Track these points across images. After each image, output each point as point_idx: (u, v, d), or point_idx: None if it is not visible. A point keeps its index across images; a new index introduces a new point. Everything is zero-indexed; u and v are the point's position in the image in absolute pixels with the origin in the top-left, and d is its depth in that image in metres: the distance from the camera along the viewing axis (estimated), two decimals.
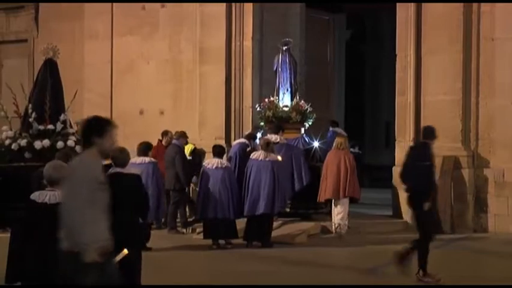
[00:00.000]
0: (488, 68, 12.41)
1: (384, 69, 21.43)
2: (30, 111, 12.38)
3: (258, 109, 13.36)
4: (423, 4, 12.71)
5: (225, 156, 11.52)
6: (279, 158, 11.05)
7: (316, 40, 15.97)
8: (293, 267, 9.52)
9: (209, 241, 10.71)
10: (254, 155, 10.87)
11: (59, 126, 12.37)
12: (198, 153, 12.94)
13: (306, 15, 15.27)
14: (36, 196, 5.12)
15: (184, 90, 14.97)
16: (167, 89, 15.11)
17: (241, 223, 10.86)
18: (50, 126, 12.31)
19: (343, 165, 11.60)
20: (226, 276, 8.69)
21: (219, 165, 10.66)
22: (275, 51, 13.50)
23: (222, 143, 13.01)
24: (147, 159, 10.47)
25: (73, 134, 12.56)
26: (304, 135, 13.11)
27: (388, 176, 13.73)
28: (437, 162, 12.23)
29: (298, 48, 14.38)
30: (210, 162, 10.79)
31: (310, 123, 13.25)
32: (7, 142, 12.33)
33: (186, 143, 12.62)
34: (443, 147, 12.34)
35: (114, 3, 15.61)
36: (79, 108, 13.47)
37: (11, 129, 12.60)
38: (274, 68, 13.32)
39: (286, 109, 13.07)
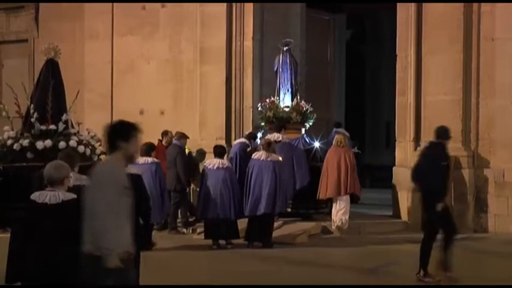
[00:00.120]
0: (488, 68, 12.41)
1: (384, 69, 21.43)
2: (32, 111, 12.39)
3: (260, 109, 13.36)
4: (423, 4, 12.70)
5: (225, 156, 11.53)
6: (280, 158, 11.06)
7: (317, 40, 15.98)
8: (294, 267, 9.52)
9: (209, 241, 10.71)
10: (256, 155, 10.87)
11: (61, 126, 12.38)
12: (193, 158, 12.81)
13: (306, 15, 15.27)
14: (37, 196, 5.11)
15: (184, 90, 14.97)
16: (167, 89, 15.11)
17: (242, 223, 10.86)
18: (52, 127, 12.32)
19: (343, 162, 11.62)
20: (226, 276, 8.69)
21: (220, 166, 10.67)
22: (275, 51, 13.51)
23: (223, 143, 13.01)
24: (149, 159, 10.51)
25: (75, 134, 12.57)
26: (305, 135, 13.12)
27: (388, 176, 13.74)
28: None
29: (298, 48, 14.39)
30: (211, 162, 10.79)
31: (310, 123, 13.26)
32: (9, 142, 12.33)
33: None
34: None
35: (114, 3, 15.61)
36: (79, 108, 13.48)
37: (12, 129, 12.60)
38: (275, 69, 13.33)
39: (286, 109, 13.08)
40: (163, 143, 12.63)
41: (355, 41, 20.60)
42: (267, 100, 13.27)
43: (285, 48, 13.20)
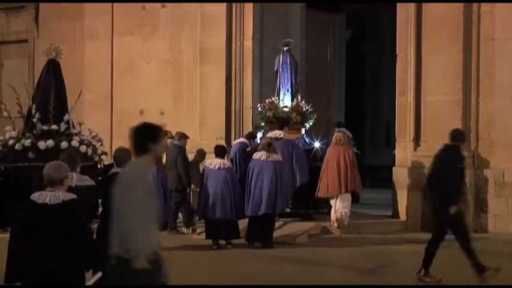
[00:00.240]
0: (488, 68, 12.40)
1: (384, 69, 21.44)
2: (34, 111, 12.41)
3: (260, 109, 13.37)
4: (423, 4, 12.70)
5: (226, 156, 11.53)
6: (281, 158, 11.07)
7: (317, 40, 15.98)
8: (294, 267, 9.52)
9: (209, 241, 10.71)
10: (256, 155, 10.88)
11: (63, 126, 12.39)
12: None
13: (306, 15, 15.27)
14: (37, 197, 5.11)
15: (184, 90, 14.98)
16: (167, 89, 15.12)
17: (242, 223, 10.86)
18: (54, 127, 12.33)
19: (343, 160, 11.64)
20: (226, 276, 8.69)
21: (221, 166, 10.67)
22: (275, 51, 13.51)
23: (223, 143, 13.01)
24: None
25: (76, 134, 12.58)
26: (305, 135, 13.13)
27: (388, 176, 13.74)
28: None
29: (298, 48, 14.39)
30: (212, 162, 10.79)
31: (310, 123, 13.26)
32: (10, 142, 12.35)
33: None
34: None
35: (114, 3, 15.62)
36: (79, 109, 13.47)
37: (14, 130, 12.61)
38: (275, 69, 13.34)
39: (286, 110, 13.09)
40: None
41: (355, 41, 20.60)
42: (267, 100, 13.28)
43: (285, 48, 13.21)
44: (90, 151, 12.38)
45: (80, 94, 13.30)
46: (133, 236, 4.44)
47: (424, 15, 12.71)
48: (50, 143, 12.05)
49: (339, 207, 11.70)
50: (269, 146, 10.86)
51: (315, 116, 13.31)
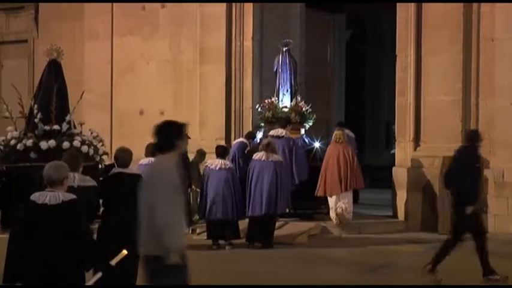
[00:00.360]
0: (488, 69, 12.40)
1: (384, 69, 21.45)
2: (35, 111, 12.42)
3: (260, 110, 13.38)
4: (423, 4, 12.70)
5: (227, 156, 11.53)
6: (281, 158, 11.08)
7: (316, 40, 15.98)
8: (294, 267, 9.52)
9: (209, 241, 10.71)
10: (256, 156, 10.88)
11: (65, 126, 12.41)
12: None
13: (306, 15, 15.27)
14: (36, 197, 5.10)
15: (184, 90, 14.98)
16: (167, 89, 15.11)
17: (242, 223, 10.86)
18: (56, 127, 12.34)
19: (343, 159, 11.67)
20: (226, 276, 8.69)
21: (223, 166, 10.66)
22: (275, 51, 13.51)
23: (223, 143, 13.01)
24: (153, 159, 10.55)
25: (78, 134, 12.59)
26: (304, 136, 13.14)
27: (388, 176, 13.74)
28: (437, 162, 12.30)
29: (298, 48, 14.39)
30: (213, 163, 10.78)
31: (310, 123, 13.27)
32: (12, 142, 12.36)
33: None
34: (443, 148, 12.34)
35: (114, 3, 15.61)
36: (79, 109, 13.47)
37: (16, 130, 12.62)
38: (275, 69, 13.36)
39: (285, 110, 13.10)
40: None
41: (355, 41, 20.60)
42: (266, 101, 13.29)
43: (284, 49, 13.22)
44: (91, 151, 12.40)
45: (82, 94, 13.31)
46: (165, 231, 4.47)
47: (424, 16, 12.71)
48: (52, 143, 12.06)
49: (340, 203, 11.73)
50: (268, 146, 10.86)
51: (314, 116, 13.31)
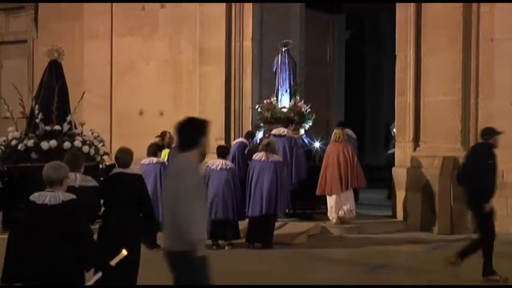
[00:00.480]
0: (487, 69, 12.40)
1: (383, 69, 21.43)
2: (37, 112, 12.43)
3: (259, 110, 13.40)
4: (423, 4, 12.70)
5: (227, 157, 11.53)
6: (281, 158, 11.09)
7: (316, 40, 15.99)
8: (293, 267, 9.52)
9: (209, 241, 10.71)
10: (256, 156, 10.88)
11: (66, 127, 12.42)
12: None
13: (305, 15, 15.28)
14: (36, 197, 5.10)
15: (184, 90, 14.98)
16: (167, 89, 15.12)
17: (242, 223, 10.86)
18: (57, 127, 12.35)
19: (343, 157, 11.68)
20: (226, 276, 8.67)
21: (223, 166, 10.66)
22: (275, 51, 13.52)
23: (222, 143, 13.00)
24: (154, 159, 10.64)
25: (79, 134, 12.60)
26: (304, 136, 13.15)
27: (388, 176, 13.73)
28: (437, 162, 12.30)
29: (297, 48, 14.40)
30: (214, 163, 10.79)
31: (310, 123, 13.28)
32: (13, 143, 12.37)
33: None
34: (442, 148, 12.37)
35: (113, 4, 15.62)
36: (79, 109, 13.47)
37: (17, 130, 12.63)
38: (274, 69, 13.37)
39: (284, 110, 13.11)
40: (162, 143, 12.62)
41: (354, 41, 20.59)
42: (265, 101, 13.31)
43: (283, 49, 13.23)
44: (92, 151, 12.41)
45: (82, 95, 13.31)
46: (190, 226, 4.47)
47: (423, 16, 12.71)
48: (53, 143, 12.08)
49: (341, 205, 11.74)
50: (268, 146, 10.86)
51: (313, 116, 13.32)
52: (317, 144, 12.86)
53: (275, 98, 13.26)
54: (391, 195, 14.56)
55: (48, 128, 12.34)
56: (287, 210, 12.00)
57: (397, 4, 13.08)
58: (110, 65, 15.71)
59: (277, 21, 14.71)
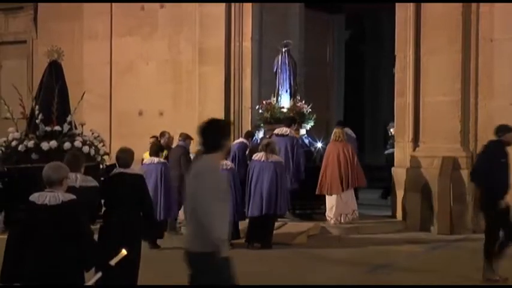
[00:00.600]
0: (487, 69, 12.40)
1: (383, 69, 21.43)
2: (36, 112, 12.43)
3: (260, 111, 13.41)
4: (422, 4, 12.70)
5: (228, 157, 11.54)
6: (281, 159, 11.09)
7: (316, 40, 15.99)
8: (293, 267, 9.52)
9: None
10: (256, 156, 10.89)
11: (66, 127, 12.43)
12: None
13: (305, 15, 15.28)
14: (36, 197, 5.10)
15: (183, 90, 14.98)
16: (167, 89, 15.11)
17: (242, 224, 10.86)
18: (57, 128, 12.36)
19: (343, 157, 11.69)
20: None
21: (224, 167, 10.65)
22: (274, 51, 13.53)
23: None
24: (156, 159, 10.68)
25: (79, 135, 12.60)
26: (305, 136, 13.15)
27: (385, 176, 13.73)
28: (437, 163, 12.31)
29: (297, 48, 14.40)
30: None
31: (311, 124, 13.29)
32: (13, 143, 12.38)
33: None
34: (442, 148, 12.37)
35: (113, 4, 15.62)
36: (78, 109, 13.46)
37: (17, 131, 12.63)
38: (274, 69, 13.38)
39: (284, 110, 13.12)
40: (161, 143, 12.63)
41: (354, 41, 20.58)
42: (264, 102, 13.32)
43: (284, 49, 13.24)
44: (92, 152, 12.42)
45: (82, 95, 13.32)
46: (212, 226, 4.47)
47: (423, 16, 12.70)
48: (53, 144, 12.08)
49: (343, 209, 11.76)
50: (267, 146, 10.87)
51: (314, 116, 13.33)
52: (319, 145, 12.88)
53: (275, 98, 13.27)
54: (386, 195, 14.58)
55: (48, 128, 12.34)
56: (296, 211, 12.04)
57: (397, 4, 13.08)
58: (109, 65, 15.71)
59: (277, 22, 14.72)
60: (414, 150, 12.79)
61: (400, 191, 12.88)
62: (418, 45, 12.76)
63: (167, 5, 15.16)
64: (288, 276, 8.89)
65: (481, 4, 12.40)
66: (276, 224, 11.24)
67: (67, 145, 12.02)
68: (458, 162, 12.34)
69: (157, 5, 15.29)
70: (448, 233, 11.95)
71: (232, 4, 14.23)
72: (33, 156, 12.09)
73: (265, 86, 14.15)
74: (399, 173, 12.90)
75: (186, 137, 12.33)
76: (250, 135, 12.84)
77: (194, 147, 13.08)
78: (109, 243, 6.14)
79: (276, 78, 13.35)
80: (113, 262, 5.10)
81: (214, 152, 4.70)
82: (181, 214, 12.23)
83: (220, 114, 14.14)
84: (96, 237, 6.08)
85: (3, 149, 12.50)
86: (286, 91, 13.30)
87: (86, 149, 12.17)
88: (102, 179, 8.22)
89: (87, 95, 14.20)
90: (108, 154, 12.95)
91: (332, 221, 11.95)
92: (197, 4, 14.46)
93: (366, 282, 8.53)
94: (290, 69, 13.29)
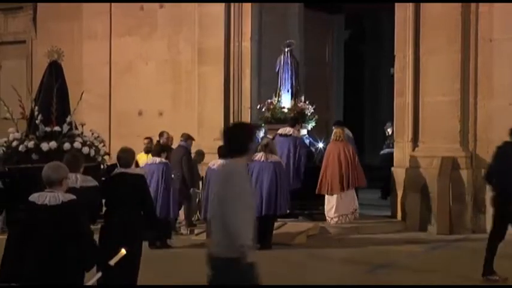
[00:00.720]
0: (486, 69, 12.41)
1: (383, 69, 21.43)
2: (36, 113, 12.44)
3: (263, 109, 13.42)
4: (421, 4, 12.70)
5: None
6: (280, 159, 11.10)
7: (315, 40, 15.98)
8: (292, 267, 9.52)
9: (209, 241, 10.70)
10: (256, 157, 10.88)
11: (65, 128, 12.43)
12: None
13: (304, 15, 15.27)
14: (36, 198, 5.10)
15: (183, 90, 14.98)
16: (166, 89, 15.11)
17: None
18: (57, 128, 12.36)
19: (344, 157, 11.70)
20: None
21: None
22: (274, 51, 13.53)
23: (221, 143, 12.99)
24: (157, 159, 10.70)
25: (79, 135, 12.61)
26: (306, 136, 13.15)
27: (383, 176, 13.73)
28: (436, 163, 12.32)
29: (297, 48, 14.39)
30: (215, 163, 10.79)
31: (313, 124, 13.30)
32: (14, 144, 12.38)
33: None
34: (441, 148, 12.37)
35: (112, 4, 15.61)
36: (78, 109, 13.45)
37: (17, 131, 12.63)
38: (277, 69, 13.39)
39: (285, 110, 13.12)
40: (161, 143, 12.63)
41: (353, 41, 20.58)
42: (267, 101, 13.33)
43: (286, 49, 13.25)
44: (92, 152, 12.41)
45: (81, 95, 13.31)
46: (239, 232, 4.51)
47: (422, 16, 12.71)
48: (53, 144, 12.08)
49: (344, 208, 11.76)
50: (266, 147, 10.87)
51: (316, 116, 13.35)
52: (320, 145, 12.89)
53: (276, 98, 13.28)
54: (386, 195, 14.58)
55: (48, 129, 12.34)
56: (287, 211, 12.03)
57: (396, 4, 13.08)
58: (108, 65, 15.70)
59: (276, 22, 14.71)
60: (413, 150, 12.79)
61: (399, 191, 12.88)
62: (417, 45, 12.76)
63: (166, 5, 15.16)
64: (288, 276, 8.89)
65: (480, 4, 12.40)
66: (276, 224, 11.24)
67: (67, 146, 12.02)
68: (458, 162, 12.35)
69: (156, 5, 15.28)
70: (447, 233, 11.96)
71: (232, 4, 14.23)
72: (34, 156, 12.09)
73: (265, 86, 14.15)
74: (399, 173, 12.90)
75: (187, 138, 12.34)
76: None
77: (192, 147, 13.13)
78: (110, 243, 6.13)
79: (277, 78, 13.36)
80: (112, 262, 5.10)
81: (240, 155, 4.69)
82: (181, 214, 12.26)
83: (219, 114, 14.16)
84: (97, 237, 6.07)
85: (4, 149, 12.51)
86: (288, 91, 13.31)
87: (85, 149, 12.17)
88: (103, 179, 8.23)
89: (87, 95, 14.20)
90: (108, 154, 12.95)
91: (332, 221, 11.94)
92: (196, 4, 14.46)
93: (366, 282, 8.54)
94: (292, 69, 13.31)
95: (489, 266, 8.22)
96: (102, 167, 12.50)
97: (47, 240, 5.02)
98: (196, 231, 11.76)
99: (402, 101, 12.96)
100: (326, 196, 12.01)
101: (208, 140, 13.55)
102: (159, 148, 11.07)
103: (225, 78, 14.24)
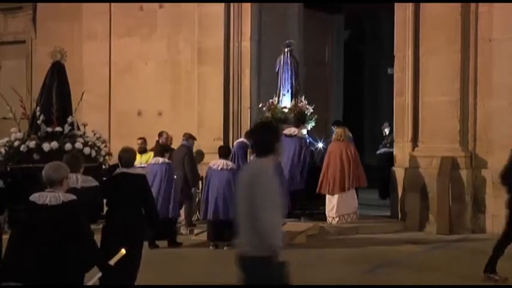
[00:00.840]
0: (486, 69, 12.42)
1: (382, 69, 21.43)
2: (38, 113, 12.45)
3: (264, 109, 13.43)
4: (421, 4, 12.71)
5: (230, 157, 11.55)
6: (279, 159, 11.10)
7: (315, 40, 15.98)
8: (292, 267, 9.50)
9: (208, 241, 10.71)
10: (252, 157, 10.87)
11: (67, 128, 12.44)
12: None
13: (304, 15, 15.28)
14: (36, 197, 5.11)
15: (182, 91, 14.98)
16: (166, 89, 15.12)
17: None
18: (58, 129, 12.37)
19: (345, 157, 11.71)
20: (226, 276, 8.69)
21: (225, 167, 10.67)
22: (273, 51, 13.53)
23: (221, 143, 13.02)
24: (160, 159, 10.72)
25: (80, 136, 12.62)
26: (307, 136, 13.16)
27: (382, 176, 13.74)
28: (435, 163, 12.32)
29: (296, 48, 14.39)
30: (216, 163, 10.80)
31: (313, 124, 13.31)
32: (16, 144, 12.39)
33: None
34: (441, 148, 12.38)
35: (112, 4, 15.62)
36: (78, 109, 13.46)
37: (19, 131, 12.64)
38: (276, 69, 13.39)
39: (285, 110, 13.13)
40: (160, 143, 12.63)
41: (353, 41, 20.59)
42: (269, 101, 13.34)
43: (286, 49, 13.26)
44: (94, 152, 12.42)
45: (82, 95, 13.31)
46: (271, 231, 4.47)
47: (421, 16, 12.71)
48: (54, 144, 12.09)
49: (345, 208, 11.77)
50: None
51: (316, 117, 13.35)
52: (320, 145, 12.90)
53: (275, 98, 13.29)
54: (385, 195, 14.59)
55: (49, 129, 12.35)
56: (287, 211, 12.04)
57: (396, 4, 13.09)
58: (108, 65, 15.70)
59: (276, 21, 14.72)
60: (413, 150, 12.80)
61: (399, 191, 12.88)
62: (417, 45, 12.77)
63: (166, 5, 15.16)
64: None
65: (480, 4, 12.41)
66: None
67: (68, 146, 12.03)
68: (457, 162, 12.36)
69: (156, 5, 15.29)
70: (447, 232, 11.96)
71: (231, 4, 14.24)
72: (35, 156, 12.10)
73: (264, 86, 14.16)
74: (398, 173, 12.91)
75: (189, 137, 12.34)
76: (249, 135, 12.86)
77: (198, 146, 13.14)
78: (111, 243, 6.14)
79: (277, 78, 13.36)
80: (112, 262, 5.10)
81: (266, 155, 4.70)
82: (181, 214, 12.27)
83: (219, 114, 14.17)
84: (98, 237, 6.07)
85: (6, 149, 12.52)
86: (288, 91, 13.32)
87: (87, 150, 12.17)
88: (104, 179, 8.24)
89: (87, 95, 14.20)
90: (110, 154, 12.95)
91: (333, 221, 11.94)
92: (196, 4, 14.46)
93: (366, 282, 8.54)
94: (292, 69, 13.31)
95: (492, 264, 8.23)
96: (103, 167, 12.51)
97: (47, 240, 5.02)
98: (196, 231, 11.77)
99: (402, 101, 12.96)
100: (327, 196, 12.02)
101: (208, 140, 13.57)
102: (161, 148, 11.06)
103: (224, 78, 14.25)
